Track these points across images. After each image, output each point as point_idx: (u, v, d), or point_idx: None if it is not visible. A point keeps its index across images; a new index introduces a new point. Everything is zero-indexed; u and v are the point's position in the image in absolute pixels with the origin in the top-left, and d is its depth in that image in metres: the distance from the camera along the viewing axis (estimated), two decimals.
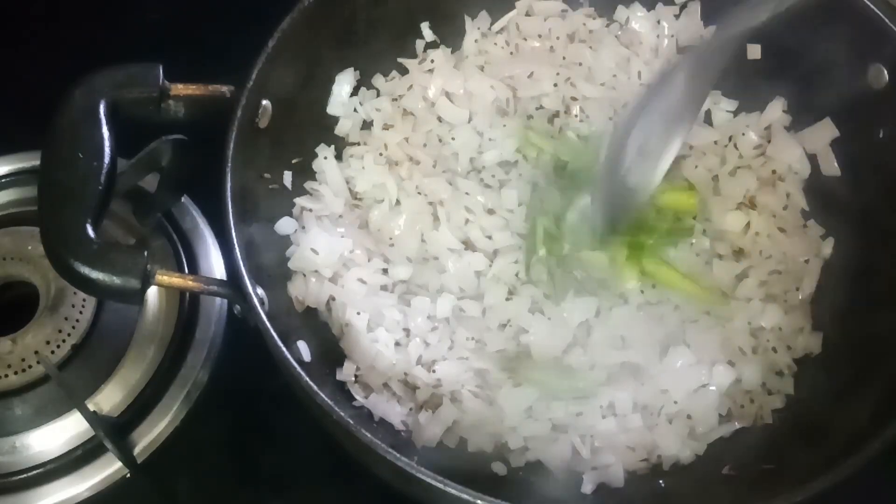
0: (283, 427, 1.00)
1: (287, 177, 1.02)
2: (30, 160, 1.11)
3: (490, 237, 1.01)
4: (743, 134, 1.06)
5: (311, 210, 1.01)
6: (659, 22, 1.11)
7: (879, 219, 0.98)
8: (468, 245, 1.02)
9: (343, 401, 0.93)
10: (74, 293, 1.01)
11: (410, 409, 0.95)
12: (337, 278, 0.98)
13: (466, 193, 1.03)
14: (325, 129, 1.07)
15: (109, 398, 0.98)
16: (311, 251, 0.98)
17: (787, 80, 1.06)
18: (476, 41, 1.12)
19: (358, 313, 0.96)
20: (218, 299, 1.04)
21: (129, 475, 0.96)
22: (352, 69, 1.07)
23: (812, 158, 1.05)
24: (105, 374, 0.99)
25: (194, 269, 1.06)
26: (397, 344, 0.96)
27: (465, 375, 0.95)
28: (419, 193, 1.04)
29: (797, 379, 0.97)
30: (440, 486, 0.75)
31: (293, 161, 1.03)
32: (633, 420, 0.92)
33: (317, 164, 1.05)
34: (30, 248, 1.03)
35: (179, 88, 0.87)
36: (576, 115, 1.09)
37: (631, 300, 0.97)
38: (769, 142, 1.06)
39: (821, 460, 0.80)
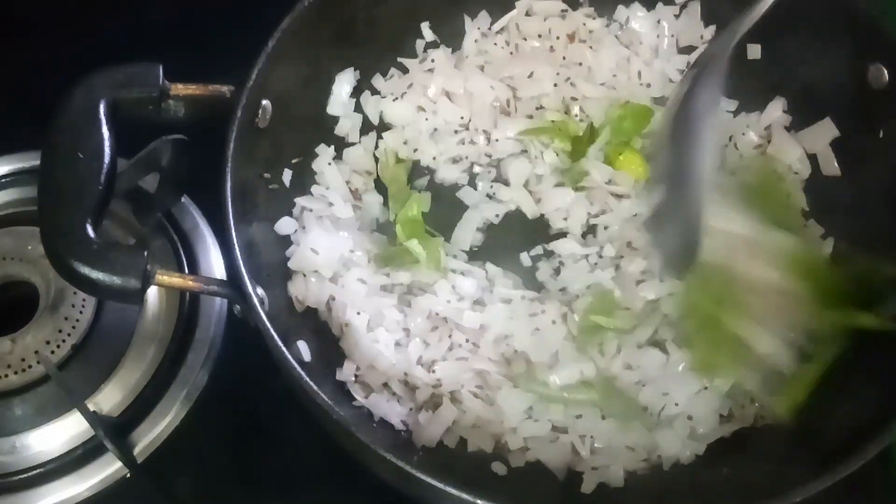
0: (283, 427, 1.00)
1: (287, 177, 1.02)
2: (30, 160, 1.11)
3: None
4: (743, 134, 1.06)
5: (311, 210, 1.01)
6: (659, 22, 1.11)
7: (879, 219, 0.98)
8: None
9: (343, 401, 0.93)
10: (74, 293, 1.01)
11: (410, 409, 0.94)
12: (337, 278, 0.98)
13: None
14: (325, 129, 1.07)
15: (109, 398, 0.98)
16: (311, 251, 0.97)
17: (787, 80, 1.06)
18: (476, 41, 1.12)
19: (358, 313, 0.96)
20: (218, 299, 1.04)
21: (129, 475, 0.96)
22: (352, 69, 1.07)
23: (812, 158, 1.05)
24: (105, 374, 0.99)
25: (194, 269, 1.06)
26: (397, 344, 0.96)
27: (465, 375, 0.95)
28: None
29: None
30: (440, 486, 0.75)
31: (293, 161, 1.03)
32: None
33: (317, 165, 1.05)
34: (30, 248, 1.03)
35: (179, 88, 0.87)
36: (576, 115, 1.09)
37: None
38: (769, 142, 1.06)
39: (820, 460, 0.80)
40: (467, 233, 1.04)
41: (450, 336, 0.96)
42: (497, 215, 1.05)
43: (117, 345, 1.00)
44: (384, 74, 1.10)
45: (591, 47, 1.11)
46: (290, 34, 0.94)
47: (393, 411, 0.94)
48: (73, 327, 0.99)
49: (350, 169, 1.07)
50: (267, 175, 0.99)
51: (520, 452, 0.93)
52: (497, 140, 1.07)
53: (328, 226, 1.00)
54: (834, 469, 0.78)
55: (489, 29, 1.13)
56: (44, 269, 1.01)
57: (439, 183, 1.08)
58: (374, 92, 1.10)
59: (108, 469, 0.96)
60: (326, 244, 0.98)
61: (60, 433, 0.96)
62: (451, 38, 1.12)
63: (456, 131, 1.08)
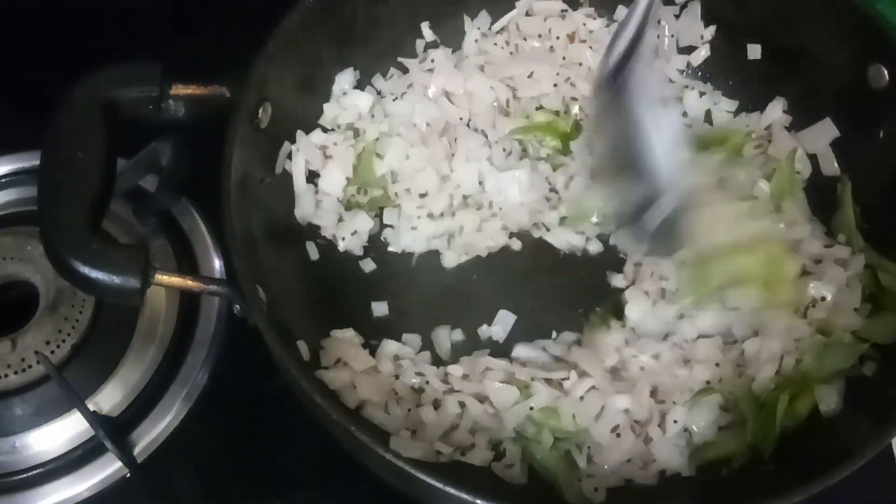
0: (283, 427, 1.00)
1: (287, 176, 1.02)
2: (30, 160, 1.11)
3: None
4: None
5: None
6: (659, 22, 1.11)
7: (879, 219, 0.98)
8: None
9: None
10: (74, 293, 1.01)
11: (410, 410, 0.94)
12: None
13: None
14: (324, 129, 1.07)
15: (109, 398, 0.98)
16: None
17: (787, 80, 1.06)
18: (476, 41, 1.12)
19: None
20: (218, 299, 1.04)
21: (129, 475, 0.96)
22: (352, 69, 1.07)
23: (812, 158, 1.05)
24: (105, 374, 0.99)
25: (194, 269, 1.06)
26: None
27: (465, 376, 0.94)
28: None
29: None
30: (440, 486, 0.75)
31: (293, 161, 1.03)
32: (629, 435, 0.91)
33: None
34: (30, 248, 1.02)
35: (179, 88, 0.87)
36: (576, 115, 1.09)
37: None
38: (769, 142, 1.06)
39: (820, 460, 0.80)
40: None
41: None
42: None
43: (117, 345, 1.00)
44: (384, 74, 1.10)
45: (591, 47, 1.11)
46: (289, 34, 0.94)
47: (393, 412, 0.93)
48: (73, 327, 0.99)
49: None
50: (267, 175, 0.99)
51: (520, 453, 0.93)
52: (496, 141, 1.07)
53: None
54: (834, 469, 0.77)
55: (489, 29, 1.13)
56: (44, 269, 1.01)
57: None
58: (375, 92, 1.10)
59: (108, 469, 0.96)
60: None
61: (60, 433, 0.96)
62: (451, 38, 1.12)
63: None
